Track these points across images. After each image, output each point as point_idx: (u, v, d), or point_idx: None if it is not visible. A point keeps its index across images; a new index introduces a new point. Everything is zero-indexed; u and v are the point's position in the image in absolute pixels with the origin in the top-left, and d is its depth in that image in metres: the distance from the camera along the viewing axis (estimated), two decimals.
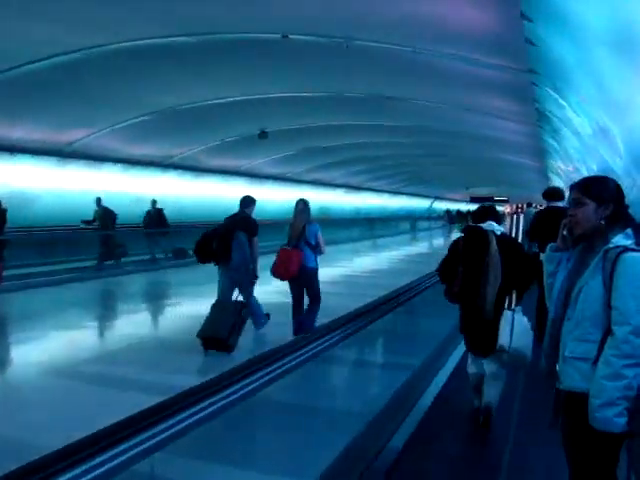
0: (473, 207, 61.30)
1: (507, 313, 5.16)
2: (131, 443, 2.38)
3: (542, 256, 3.45)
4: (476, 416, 5.36)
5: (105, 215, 17.07)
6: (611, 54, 4.55)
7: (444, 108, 13.63)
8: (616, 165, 6.04)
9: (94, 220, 17.01)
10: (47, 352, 8.29)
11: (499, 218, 5.54)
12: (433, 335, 8.23)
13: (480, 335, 5.21)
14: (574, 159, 10.66)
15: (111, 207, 17.26)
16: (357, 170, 29.72)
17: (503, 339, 4.93)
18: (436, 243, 37.81)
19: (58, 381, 6.78)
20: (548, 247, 3.24)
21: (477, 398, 5.44)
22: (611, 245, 2.84)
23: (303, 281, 8.60)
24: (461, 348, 6.43)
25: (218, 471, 4.28)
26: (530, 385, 5.95)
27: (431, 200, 52.50)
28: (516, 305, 5.65)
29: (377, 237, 36.29)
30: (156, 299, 14.26)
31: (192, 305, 11.13)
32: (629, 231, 2.93)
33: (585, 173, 10.39)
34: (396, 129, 18.77)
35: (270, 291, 10.12)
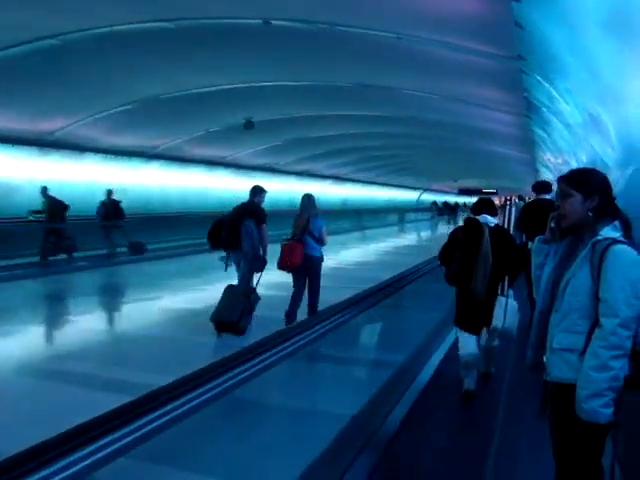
0: (462, 199, 61.27)
1: (501, 299, 5.85)
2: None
3: (530, 246, 3.36)
4: (464, 393, 5.75)
5: (52, 206, 15.42)
6: (605, 37, 4.24)
7: (431, 98, 13.31)
8: (607, 156, 5.74)
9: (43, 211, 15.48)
10: None
11: (495, 211, 6.08)
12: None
13: (471, 314, 5.72)
14: (563, 151, 10.36)
15: (94, 198, 16.83)
16: (344, 161, 29.36)
17: (497, 321, 5.70)
18: (424, 235, 37.66)
19: None
20: (536, 239, 3.26)
21: (466, 377, 5.82)
22: (599, 237, 2.85)
23: (308, 270, 8.89)
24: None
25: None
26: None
27: (419, 192, 52.16)
28: (508, 290, 6.16)
29: (365, 229, 35.95)
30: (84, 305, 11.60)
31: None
32: (617, 223, 2.92)
33: (574, 165, 10.09)
34: (383, 120, 18.44)
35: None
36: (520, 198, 40.65)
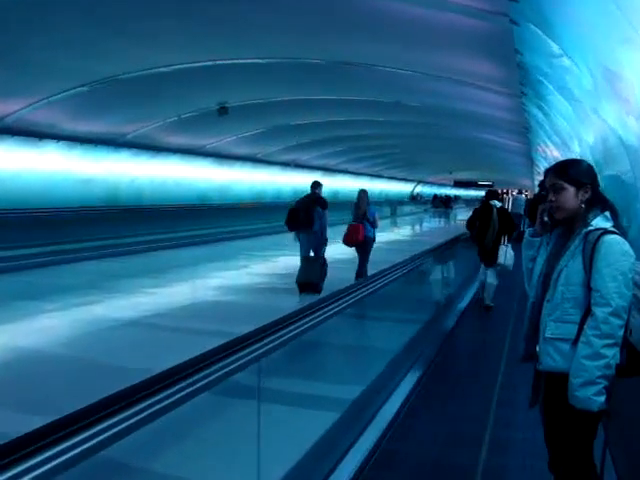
0: (453, 192, 59.80)
1: (502, 247, 10.15)
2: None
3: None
4: (480, 303, 10.61)
5: None
6: None
7: (417, 77, 11.73)
8: (627, 129, 4.24)
9: None
10: None
11: (499, 197, 11.36)
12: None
13: (486, 255, 10.33)
14: (563, 132, 8.81)
15: (55, 189, 15.61)
16: (334, 151, 27.64)
17: (500, 259, 10.01)
18: (418, 229, 36.09)
19: None
20: (527, 232, 3.38)
21: (481, 292, 10.70)
22: (591, 228, 2.90)
23: (364, 245, 11.67)
24: None
25: None
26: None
27: (414, 184, 50.55)
28: (507, 243, 10.28)
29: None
30: None
31: None
32: (608, 213, 2.95)
33: (576, 150, 8.54)
34: (369, 105, 16.80)
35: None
36: (519, 192, 41.50)
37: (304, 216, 11.36)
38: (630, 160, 4.64)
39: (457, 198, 59.59)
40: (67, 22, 9.61)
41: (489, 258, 10.29)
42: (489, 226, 10.16)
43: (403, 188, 49.15)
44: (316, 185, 12.16)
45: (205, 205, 22.80)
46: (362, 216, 11.60)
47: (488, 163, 37.44)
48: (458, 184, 52.67)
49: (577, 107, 6.00)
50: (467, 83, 11.13)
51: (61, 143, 16.32)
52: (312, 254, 11.49)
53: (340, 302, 4.62)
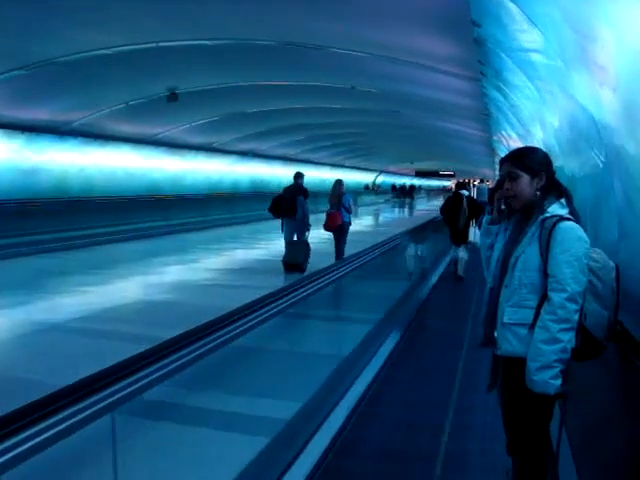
0: (414, 182, 59.40)
1: (471, 229, 12.49)
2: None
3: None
4: (454, 275, 12.27)
5: None
6: None
7: (369, 60, 11.02)
8: (600, 106, 3.59)
9: None
10: None
11: (467, 188, 13.66)
12: None
13: (457, 236, 12.16)
14: (524, 116, 8.16)
15: None
16: (293, 141, 26.79)
17: (470, 238, 12.18)
18: (380, 220, 35.51)
19: None
20: (484, 220, 3.41)
21: (454, 268, 12.40)
22: (547, 214, 2.93)
23: (341, 229, 12.82)
24: None
25: None
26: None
27: (376, 174, 49.94)
28: (475, 224, 12.20)
29: (320, 212, 33.80)
30: None
31: None
32: (563, 200, 3.00)
33: (539, 136, 7.91)
34: (324, 92, 16.01)
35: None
36: (482, 181, 42.22)
37: (288, 204, 12.54)
38: (603, 144, 3.98)
39: (420, 188, 59.32)
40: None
41: (460, 238, 12.24)
42: (460, 211, 12.06)
43: (365, 178, 48.40)
44: (298, 176, 13.21)
45: (155, 196, 21.91)
46: (338, 203, 12.94)
47: (449, 153, 36.92)
48: (420, 174, 52.29)
49: (541, 85, 5.34)
50: (425, 66, 10.46)
51: (0, 131, 15.29)
52: (295, 238, 12.76)
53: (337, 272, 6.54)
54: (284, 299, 4.86)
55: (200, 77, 14.89)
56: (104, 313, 8.35)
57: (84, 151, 18.32)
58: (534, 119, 7.41)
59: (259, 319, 4.27)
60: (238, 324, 3.93)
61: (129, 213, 19.43)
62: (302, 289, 5.31)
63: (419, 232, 12.91)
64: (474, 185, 44.57)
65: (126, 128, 18.50)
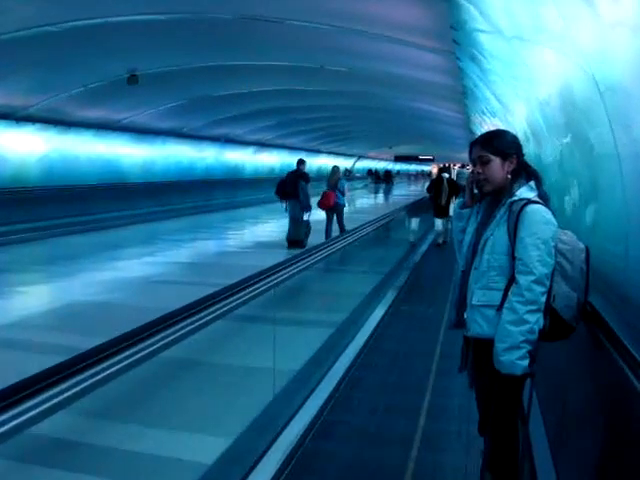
0: (391, 167, 58.37)
1: (452, 205, 13.47)
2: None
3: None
4: (437, 244, 15.91)
5: None
6: None
7: (335, 33, 9.94)
8: (606, 63, 2.63)
9: None
10: None
11: (448, 171, 19.38)
12: None
13: (440, 210, 15.44)
14: (504, 91, 7.13)
15: None
16: (268, 125, 25.58)
17: (450, 213, 12.24)
18: (357, 206, 34.54)
19: None
20: (456, 204, 3.50)
21: (439, 238, 15.95)
22: (515, 197, 2.94)
23: (335, 210, 14.87)
24: None
25: None
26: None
27: (354, 159, 48.83)
28: (455, 201, 13.57)
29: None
30: None
31: None
32: (532, 184, 2.99)
33: (521, 112, 6.92)
34: (294, 72, 14.89)
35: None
36: (462, 166, 42.74)
37: (291, 188, 14.09)
38: (607, 115, 3.01)
39: (399, 173, 58.44)
40: None
41: (442, 212, 15.47)
42: (441, 190, 15.53)
43: (343, 164, 47.05)
44: (300, 162, 14.80)
45: (121, 184, 20.74)
46: (334, 186, 14.77)
47: (428, 137, 35.88)
48: (399, 159, 51.28)
49: (525, 46, 4.34)
50: (395, 40, 9.40)
51: None
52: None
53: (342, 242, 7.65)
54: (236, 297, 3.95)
55: (159, 57, 13.76)
56: (29, 319, 7.25)
57: (43, 137, 17.11)
58: (516, 92, 6.40)
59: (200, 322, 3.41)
60: (169, 331, 3.06)
61: (91, 202, 18.27)
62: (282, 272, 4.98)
63: (412, 208, 16.72)
64: (454, 169, 44.18)
65: (89, 113, 17.29)
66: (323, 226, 14.82)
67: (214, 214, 23.02)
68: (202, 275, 10.49)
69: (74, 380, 2.28)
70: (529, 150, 6.81)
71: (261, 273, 4.50)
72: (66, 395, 2.22)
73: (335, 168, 15.45)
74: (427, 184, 18.96)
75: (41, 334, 6.54)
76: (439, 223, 15.99)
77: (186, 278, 10.25)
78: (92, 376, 2.38)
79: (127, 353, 2.65)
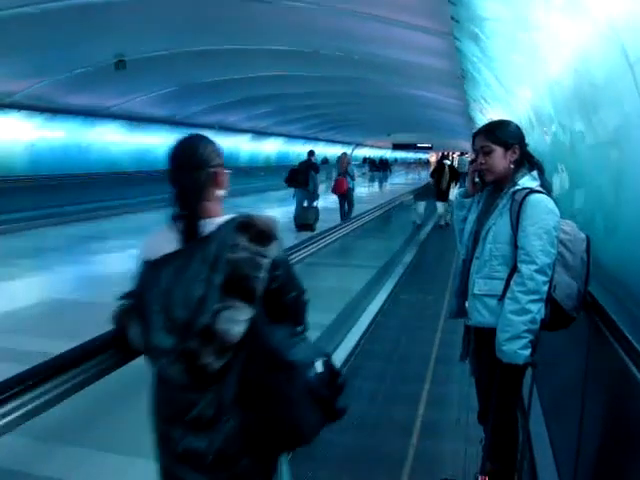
0: (389, 155, 57.57)
1: (452, 190, 16.37)
2: None
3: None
4: (439, 225, 17.08)
5: None
6: None
7: (326, 13, 9.37)
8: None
9: None
10: None
11: (449, 158, 26.70)
12: None
13: (441, 195, 16.70)
14: (507, 71, 6.53)
15: None
16: (263, 112, 24.90)
17: (451, 197, 13.91)
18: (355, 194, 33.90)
19: None
20: (457, 193, 3.42)
21: (441, 220, 17.05)
22: (518, 187, 2.90)
23: (347, 193, 15.76)
24: None
25: None
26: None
27: (352, 147, 48.20)
28: (455, 186, 16.68)
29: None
30: None
31: None
32: (535, 173, 2.96)
33: (526, 96, 6.35)
34: (289, 57, 14.25)
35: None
36: (462, 154, 42.18)
37: (302, 177, 15.25)
38: (638, 90, 2.46)
39: (396, 161, 57.82)
40: None
41: (443, 196, 16.73)
42: (442, 175, 16.80)
43: (340, 152, 46.17)
44: (311, 154, 16.31)
45: (113, 173, 20.13)
46: (344, 172, 15.65)
47: (426, 124, 35.10)
48: (397, 147, 50.60)
49: (534, 13, 3.76)
50: (388, 20, 8.83)
51: None
52: (306, 205, 15.23)
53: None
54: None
55: (148, 41, 13.09)
56: None
57: (30, 125, 16.51)
58: (520, 72, 5.81)
59: None
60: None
61: (79, 192, 17.67)
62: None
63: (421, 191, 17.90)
64: (454, 157, 43.75)
65: (76, 100, 16.66)
66: (329, 212, 15.74)
67: None
68: None
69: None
70: (535, 137, 6.24)
71: (311, 238, 5.59)
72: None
73: (343, 155, 16.33)
74: (424, 172, 19.69)
75: (2, 338, 5.95)
76: (440, 206, 17.06)
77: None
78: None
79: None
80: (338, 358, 5.25)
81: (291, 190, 15.77)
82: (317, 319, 5.26)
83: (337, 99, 23.35)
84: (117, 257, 11.38)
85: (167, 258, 1.99)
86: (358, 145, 48.09)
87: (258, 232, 1.95)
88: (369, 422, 4.48)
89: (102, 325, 2.22)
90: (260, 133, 29.38)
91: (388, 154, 59.65)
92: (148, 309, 1.99)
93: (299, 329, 2.18)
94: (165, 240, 2.01)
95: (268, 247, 1.95)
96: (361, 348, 6.08)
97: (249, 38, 12.60)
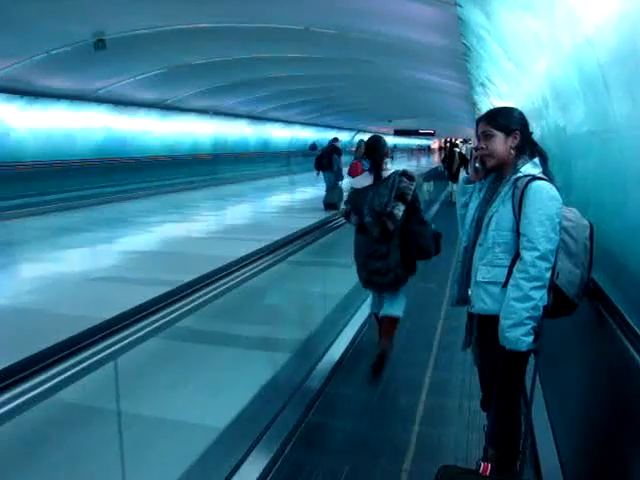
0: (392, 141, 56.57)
1: (462, 172, 16.60)
2: None
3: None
4: (452, 202, 17.08)
5: None
6: None
7: None
8: None
9: None
10: None
11: (457, 146, 25.86)
12: None
13: (452, 177, 19.57)
14: (519, 47, 5.50)
15: None
16: (260, 96, 23.73)
17: (461, 177, 7.60)
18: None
19: None
20: (461, 179, 3.37)
21: (452, 198, 18.15)
22: (520, 174, 2.85)
23: None
24: None
25: None
26: None
27: (353, 133, 47.05)
28: (464, 169, 15.85)
29: (294, 173, 31.32)
30: None
31: None
32: (537, 160, 2.92)
33: (540, 72, 5.35)
34: (278, 36, 13.18)
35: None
36: (464, 141, 41.61)
37: (327, 161, 16.80)
38: None
39: (395, 147, 56.82)
40: None
41: (454, 177, 18.86)
42: (453, 160, 19.59)
43: (342, 138, 44.98)
44: (335, 140, 17.76)
45: (98, 159, 19.18)
46: (361, 156, 15.57)
47: (428, 110, 34.00)
48: (399, 133, 49.43)
49: None
50: None
51: None
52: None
53: None
54: None
55: (129, 17, 11.98)
56: None
57: (7, 108, 15.50)
58: (537, 40, 4.78)
59: None
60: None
61: (64, 179, 16.74)
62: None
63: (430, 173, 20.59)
64: (460, 144, 43.43)
65: (57, 83, 15.64)
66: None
67: (197, 191, 21.89)
68: (155, 271, 8.99)
69: None
70: (549, 120, 5.25)
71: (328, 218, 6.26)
72: None
73: (361, 141, 16.38)
74: (424, 159, 19.39)
75: None
76: (453, 186, 19.54)
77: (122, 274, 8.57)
78: None
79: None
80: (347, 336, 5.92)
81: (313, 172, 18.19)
82: (340, 290, 6.54)
83: (334, 82, 22.27)
84: (82, 252, 10.49)
85: (368, 187, 4.96)
86: (360, 131, 46.96)
87: (409, 176, 4.91)
88: (371, 408, 4.50)
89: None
90: (257, 118, 28.29)
91: (389, 140, 58.49)
92: (361, 208, 4.94)
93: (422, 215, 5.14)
94: (365, 180, 5.03)
95: (413, 182, 4.90)
96: (364, 335, 6.05)
97: (234, 13, 11.54)
